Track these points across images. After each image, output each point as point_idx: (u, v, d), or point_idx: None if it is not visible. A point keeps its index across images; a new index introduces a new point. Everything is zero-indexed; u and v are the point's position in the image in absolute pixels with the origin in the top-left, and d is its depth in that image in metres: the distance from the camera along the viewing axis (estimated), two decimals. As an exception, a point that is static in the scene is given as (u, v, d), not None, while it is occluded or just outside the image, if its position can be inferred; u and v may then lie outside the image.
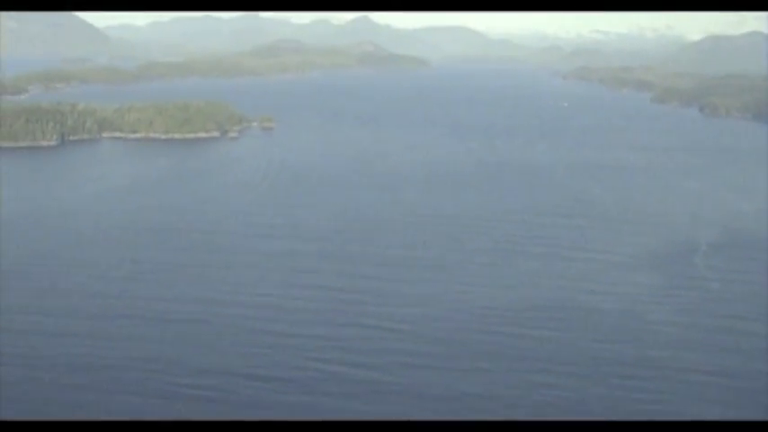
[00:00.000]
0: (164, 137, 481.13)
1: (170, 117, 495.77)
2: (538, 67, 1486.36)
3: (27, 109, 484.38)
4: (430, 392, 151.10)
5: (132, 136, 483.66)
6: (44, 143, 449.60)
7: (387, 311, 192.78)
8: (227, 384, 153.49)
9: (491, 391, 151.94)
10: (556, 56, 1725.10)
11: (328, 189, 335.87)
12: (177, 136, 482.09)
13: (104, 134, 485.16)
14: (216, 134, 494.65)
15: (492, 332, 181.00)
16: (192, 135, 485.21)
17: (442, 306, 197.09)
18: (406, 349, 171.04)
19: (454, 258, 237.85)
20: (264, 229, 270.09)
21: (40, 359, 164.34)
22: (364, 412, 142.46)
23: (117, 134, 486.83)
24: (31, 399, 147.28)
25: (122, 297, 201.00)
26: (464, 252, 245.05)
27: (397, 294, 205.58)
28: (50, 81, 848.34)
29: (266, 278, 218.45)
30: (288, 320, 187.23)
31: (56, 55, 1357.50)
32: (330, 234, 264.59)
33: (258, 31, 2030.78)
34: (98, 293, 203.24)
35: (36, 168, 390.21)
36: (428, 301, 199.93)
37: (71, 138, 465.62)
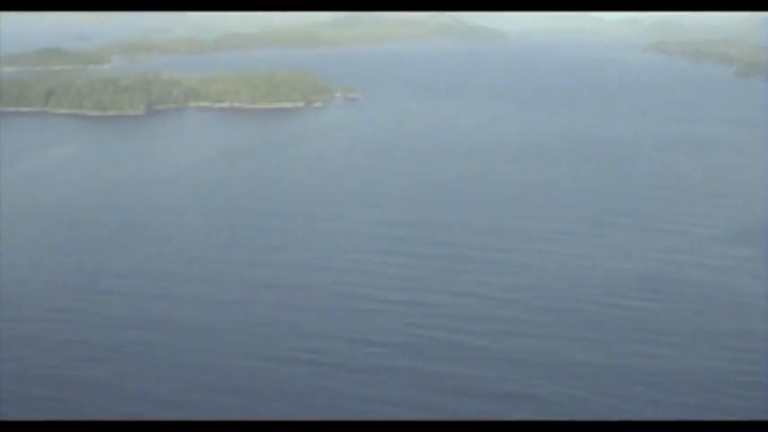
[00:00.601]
0: (249, 106, 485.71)
1: (255, 87, 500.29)
2: (617, 40, 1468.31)
3: (114, 79, 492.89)
4: (532, 360, 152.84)
5: (218, 105, 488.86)
6: (131, 112, 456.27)
7: (485, 280, 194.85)
8: (335, 349, 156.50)
9: (592, 359, 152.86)
10: (635, 28, 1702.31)
11: (418, 159, 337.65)
12: (263, 106, 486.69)
13: (190, 104, 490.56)
14: (301, 104, 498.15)
15: (591, 302, 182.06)
16: (277, 105, 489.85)
17: (538, 276, 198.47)
18: (507, 317, 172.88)
19: (547, 229, 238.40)
20: (361, 197, 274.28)
21: (154, 321, 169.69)
22: (468, 377, 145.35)
23: (203, 104, 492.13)
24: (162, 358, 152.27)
25: (222, 262, 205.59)
26: (557, 223, 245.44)
27: (495, 263, 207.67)
28: (132, 52, 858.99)
29: (366, 246, 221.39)
30: (391, 287, 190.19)
31: (136, 26, 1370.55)
32: (424, 203, 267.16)
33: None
34: (198, 259, 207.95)
35: (126, 137, 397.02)
36: (525, 271, 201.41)
37: (157, 107, 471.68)
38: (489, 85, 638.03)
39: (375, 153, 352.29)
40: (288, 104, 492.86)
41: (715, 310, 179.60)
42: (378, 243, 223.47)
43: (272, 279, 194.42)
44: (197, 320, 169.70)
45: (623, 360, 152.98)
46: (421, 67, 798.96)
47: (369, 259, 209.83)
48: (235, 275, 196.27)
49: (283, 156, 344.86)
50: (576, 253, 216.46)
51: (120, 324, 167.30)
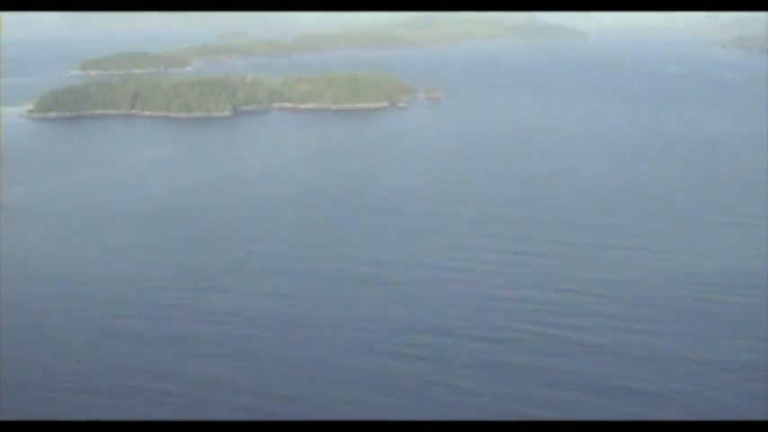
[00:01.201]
0: (334, 107, 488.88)
1: (339, 88, 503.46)
2: (695, 36, 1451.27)
3: (200, 81, 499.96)
4: (640, 355, 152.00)
5: (302, 106, 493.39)
6: (217, 114, 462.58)
7: (586, 276, 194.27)
8: (444, 344, 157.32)
9: (703, 355, 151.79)
10: (713, 24, 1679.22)
11: (507, 158, 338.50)
12: (348, 106, 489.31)
13: (275, 105, 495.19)
14: (385, 104, 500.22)
15: (694, 298, 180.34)
16: (361, 105, 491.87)
17: (639, 272, 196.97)
18: (612, 313, 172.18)
19: (645, 226, 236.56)
20: (455, 195, 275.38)
21: (259, 318, 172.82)
22: (576, 371, 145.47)
23: (287, 105, 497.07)
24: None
25: (323, 260, 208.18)
26: (654, 220, 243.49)
27: (594, 259, 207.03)
28: (212, 54, 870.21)
29: (463, 243, 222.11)
30: (491, 284, 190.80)
31: (212, 28, 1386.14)
32: (517, 201, 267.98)
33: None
34: (300, 256, 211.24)
35: (216, 138, 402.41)
36: (625, 268, 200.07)
37: (243, 109, 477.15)
38: (574, 83, 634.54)
39: (465, 151, 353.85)
40: (372, 105, 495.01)
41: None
42: (475, 240, 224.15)
43: (373, 276, 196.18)
44: (302, 317, 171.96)
45: (733, 356, 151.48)
46: (502, 65, 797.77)
47: (467, 256, 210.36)
48: (336, 272, 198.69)
49: (375, 155, 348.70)
50: (675, 249, 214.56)
51: (226, 321, 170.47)
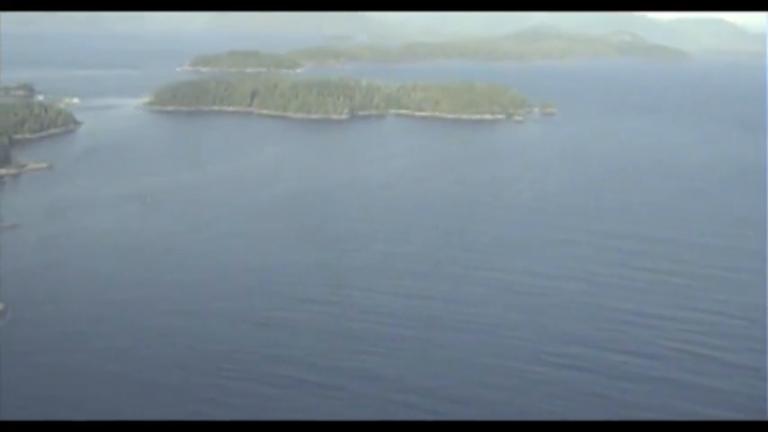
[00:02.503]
0: (450, 116, 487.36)
1: (456, 97, 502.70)
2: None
3: (318, 82, 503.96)
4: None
5: (418, 113, 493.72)
6: (335, 116, 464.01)
7: (722, 298, 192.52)
8: (594, 357, 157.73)
9: None
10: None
11: (631, 177, 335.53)
12: (464, 116, 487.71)
13: (391, 110, 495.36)
14: (501, 117, 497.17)
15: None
16: (477, 116, 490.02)
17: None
18: (756, 335, 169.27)
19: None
20: (584, 210, 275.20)
21: (408, 318, 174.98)
22: (731, 392, 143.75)
23: (403, 111, 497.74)
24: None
25: (460, 265, 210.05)
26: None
27: (737, 282, 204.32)
28: (321, 57, 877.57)
29: (598, 257, 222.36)
30: (628, 299, 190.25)
31: (316, 32, 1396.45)
32: (645, 219, 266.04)
33: (514, 15, 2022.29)
34: (439, 261, 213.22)
35: (337, 140, 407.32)
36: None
37: (360, 113, 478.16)
38: (686, 105, 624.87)
39: (586, 168, 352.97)
40: (488, 116, 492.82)
41: None
42: (607, 255, 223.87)
43: (512, 284, 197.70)
44: (447, 319, 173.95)
45: None
46: (611, 83, 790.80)
47: (603, 271, 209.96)
48: (472, 278, 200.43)
49: (501, 166, 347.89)
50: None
51: (374, 319, 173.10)
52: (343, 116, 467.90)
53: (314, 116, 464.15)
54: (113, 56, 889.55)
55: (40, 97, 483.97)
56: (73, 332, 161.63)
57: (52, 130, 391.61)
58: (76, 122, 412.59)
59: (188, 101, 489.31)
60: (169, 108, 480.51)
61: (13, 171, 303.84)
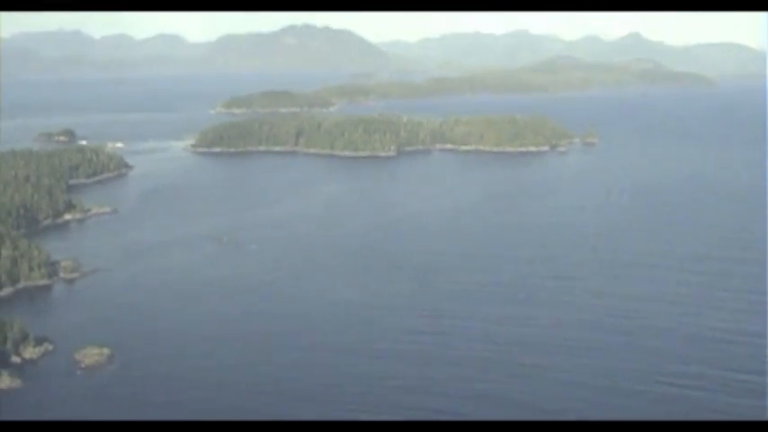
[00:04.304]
0: (495, 149, 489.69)
1: (499, 130, 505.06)
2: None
3: (362, 120, 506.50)
4: None
5: (463, 148, 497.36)
6: (382, 153, 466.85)
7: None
8: (704, 375, 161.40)
9: None
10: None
11: (694, 200, 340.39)
12: (509, 149, 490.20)
13: (436, 145, 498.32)
14: (545, 148, 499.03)
15: None
16: (522, 149, 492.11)
17: None
18: None
19: None
20: (657, 233, 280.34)
21: (496, 343, 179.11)
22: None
23: (448, 146, 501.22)
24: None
25: (553, 292, 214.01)
26: None
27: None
28: (352, 95, 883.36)
29: (670, 277, 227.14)
30: (709, 316, 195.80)
31: (337, 69, 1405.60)
32: (723, 240, 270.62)
33: (530, 47, 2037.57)
34: (529, 288, 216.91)
35: (389, 178, 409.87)
36: None
37: (406, 148, 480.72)
38: (720, 131, 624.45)
39: (646, 193, 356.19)
40: (532, 148, 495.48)
41: None
42: (697, 277, 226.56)
43: (602, 307, 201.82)
44: (555, 343, 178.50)
45: None
46: (642, 111, 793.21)
47: (697, 293, 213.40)
48: (569, 303, 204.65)
49: (560, 195, 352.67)
50: None
51: (474, 346, 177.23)
52: (391, 153, 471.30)
53: (362, 153, 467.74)
54: (141, 100, 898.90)
55: (83, 142, 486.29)
56: (188, 369, 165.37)
57: (106, 174, 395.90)
58: (128, 166, 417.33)
59: (234, 142, 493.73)
60: (216, 149, 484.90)
61: (78, 216, 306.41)
